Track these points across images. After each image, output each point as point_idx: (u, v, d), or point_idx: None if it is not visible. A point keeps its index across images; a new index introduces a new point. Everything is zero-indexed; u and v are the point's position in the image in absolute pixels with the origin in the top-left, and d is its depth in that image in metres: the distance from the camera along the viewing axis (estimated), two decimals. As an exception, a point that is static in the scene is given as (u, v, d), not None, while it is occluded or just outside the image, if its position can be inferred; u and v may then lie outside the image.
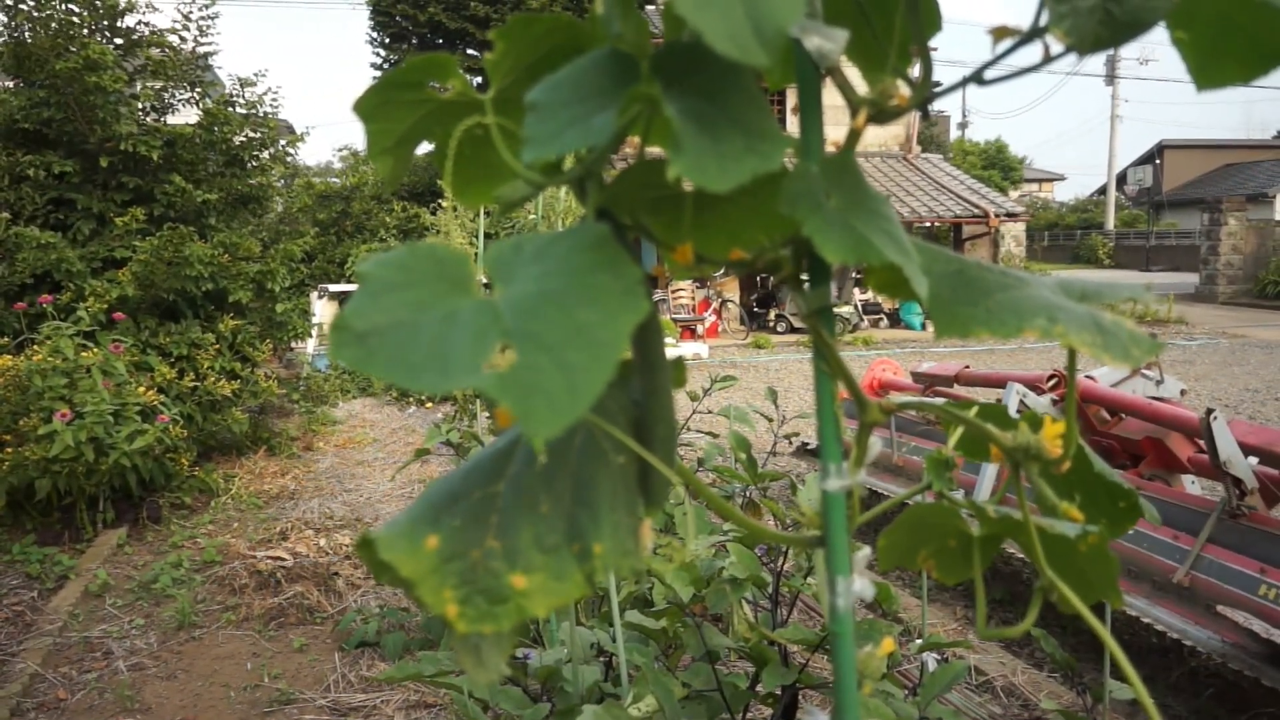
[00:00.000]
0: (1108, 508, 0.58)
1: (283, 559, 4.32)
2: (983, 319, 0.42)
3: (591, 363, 0.33)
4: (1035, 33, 0.41)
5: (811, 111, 0.45)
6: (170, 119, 7.22)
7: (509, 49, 0.48)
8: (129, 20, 6.88)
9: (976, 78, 0.46)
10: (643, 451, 0.44)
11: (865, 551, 0.48)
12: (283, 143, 7.69)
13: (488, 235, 11.16)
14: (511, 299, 0.36)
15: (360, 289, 0.36)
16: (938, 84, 0.46)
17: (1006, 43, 0.43)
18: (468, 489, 0.42)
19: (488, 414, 3.65)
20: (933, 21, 0.50)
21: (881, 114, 0.46)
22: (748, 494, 3.02)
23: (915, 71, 0.49)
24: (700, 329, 14.85)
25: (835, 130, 0.40)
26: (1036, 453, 0.49)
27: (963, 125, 47.90)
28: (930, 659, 2.51)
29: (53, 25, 6.24)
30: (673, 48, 0.42)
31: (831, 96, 0.48)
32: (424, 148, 0.58)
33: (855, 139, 0.46)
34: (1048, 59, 0.42)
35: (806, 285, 0.46)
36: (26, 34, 6.25)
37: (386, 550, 0.39)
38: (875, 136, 18.43)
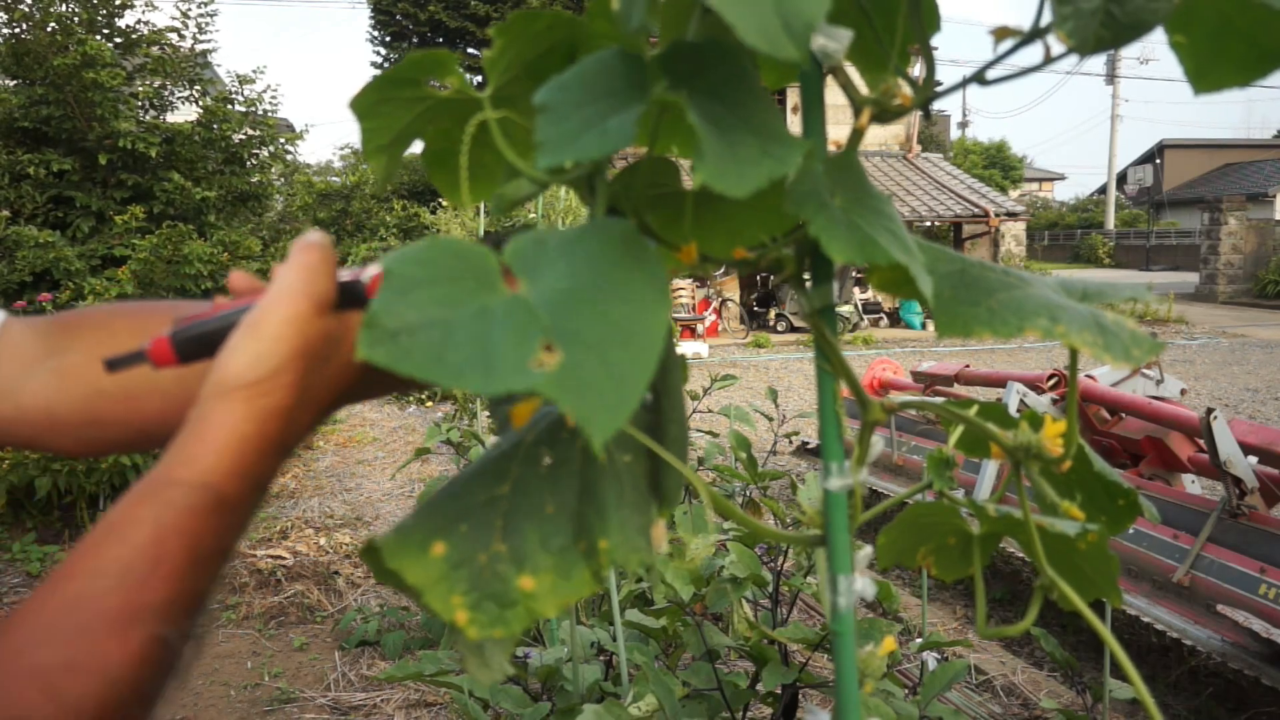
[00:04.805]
0: (1107, 506, 0.58)
1: (283, 558, 4.32)
2: (984, 318, 0.42)
3: (634, 360, 0.32)
4: (1037, 33, 0.41)
5: (814, 111, 0.45)
6: (169, 116, 7.22)
7: (508, 45, 0.47)
8: (128, 18, 6.89)
9: (978, 78, 0.46)
10: (661, 450, 0.44)
11: (866, 550, 0.48)
12: (281, 140, 7.68)
13: (488, 234, 11.14)
14: (544, 295, 0.34)
15: (386, 285, 0.34)
16: (939, 84, 0.46)
17: (1008, 43, 0.43)
18: (472, 492, 0.42)
19: (488, 413, 3.65)
20: (933, 21, 0.50)
21: (884, 113, 0.46)
22: (748, 493, 3.03)
23: (916, 71, 0.49)
24: (700, 328, 14.84)
25: (835, 130, 0.40)
26: (1037, 452, 0.49)
27: (963, 124, 47.89)
28: (930, 658, 2.51)
29: (51, 24, 6.23)
30: (679, 47, 0.41)
31: (831, 96, 0.48)
32: (422, 146, 0.57)
33: (858, 138, 0.46)
34: (1049, 59, 0.42)
35: (809, 284, 0.46)
36: (25, 33, 6.25)
37: (393, 558, 0.38)
38: (876, 136, 18.41)
